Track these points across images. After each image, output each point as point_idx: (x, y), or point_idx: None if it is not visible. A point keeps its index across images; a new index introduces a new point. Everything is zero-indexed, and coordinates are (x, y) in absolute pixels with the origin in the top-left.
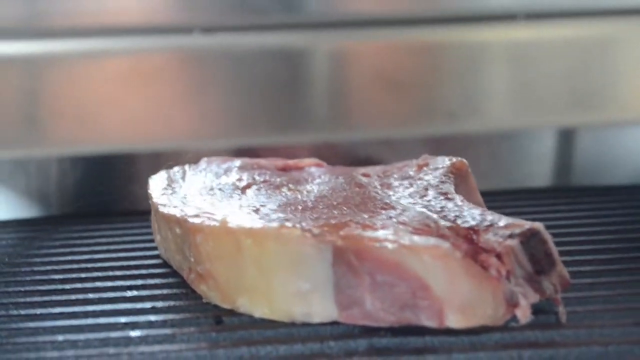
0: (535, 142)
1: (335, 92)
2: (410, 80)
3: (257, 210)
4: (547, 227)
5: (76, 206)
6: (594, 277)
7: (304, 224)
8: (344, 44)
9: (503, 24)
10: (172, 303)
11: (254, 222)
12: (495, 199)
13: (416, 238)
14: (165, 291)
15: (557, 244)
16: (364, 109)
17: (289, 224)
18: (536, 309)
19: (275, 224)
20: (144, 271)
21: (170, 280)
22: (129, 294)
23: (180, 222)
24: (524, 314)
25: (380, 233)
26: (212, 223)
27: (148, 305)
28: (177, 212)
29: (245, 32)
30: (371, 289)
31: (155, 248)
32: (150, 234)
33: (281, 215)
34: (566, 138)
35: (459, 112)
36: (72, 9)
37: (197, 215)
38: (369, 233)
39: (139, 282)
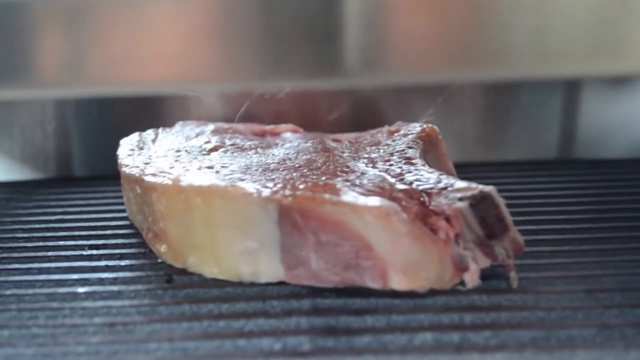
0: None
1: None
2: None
3: (215, 171)
4: (524, 198)
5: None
6: (556, 246)
7: (256, 184)
8: None
9: None
10: (127, 262)
11: (204, 180)
12: (479, 170)
13: (360, 198)
14: (124, 251)
15: (529, 213)
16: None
17: (239, 183)
18: (489, 275)
19: (224, 183)
20: (108, 232)
21: (132, 240)
22: (87, 252)
23: (139, 181)
24: (471, 278)
25: (331, 193)
26: (165, 181)
27: (103, 263)
28: (136, 172)
29: None
30: (316, 248)
31: (125, 210)
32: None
33: (237, 176)
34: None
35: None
36: None
37: (153, 174)
38: (319, 192)
39: (101, 241)
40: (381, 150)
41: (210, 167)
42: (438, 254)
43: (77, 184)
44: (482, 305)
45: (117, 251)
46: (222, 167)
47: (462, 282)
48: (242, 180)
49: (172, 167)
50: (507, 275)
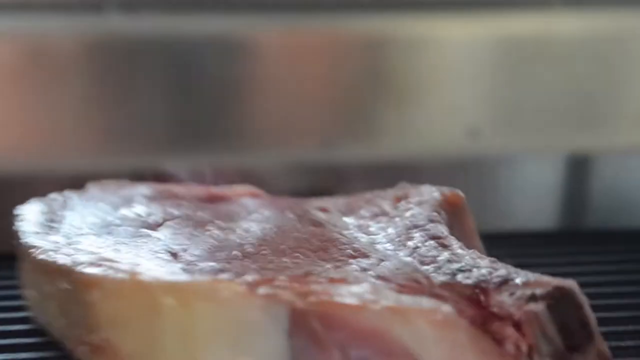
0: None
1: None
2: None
3: (176, 256)
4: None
5: None
6: None
7: (247, 276)
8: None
9: None
10: None
11: (176, 273)
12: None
13: (404, 298)
14: None
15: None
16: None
17: (224, 276)
18: None
19: (205, 277)
20: (9, 340)
21: (48, 355)
22: None
23: (69, 273)
24: None
25: (355, 290)
26: (117, 275)
27: None
28: (63, 259)
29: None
30: None
31: (23, 308)
32: (16, 287)
33: (212, 264)
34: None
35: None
36: None
37: (93, 264)
38: (340, 290)
39: (7, 357)
40: (392, 225)
41: (165, 251)
42: None
43: None
44: None
45: None
46: (183, 250)
47: None
48: (222, 271)
49: (113, 251)
50: None
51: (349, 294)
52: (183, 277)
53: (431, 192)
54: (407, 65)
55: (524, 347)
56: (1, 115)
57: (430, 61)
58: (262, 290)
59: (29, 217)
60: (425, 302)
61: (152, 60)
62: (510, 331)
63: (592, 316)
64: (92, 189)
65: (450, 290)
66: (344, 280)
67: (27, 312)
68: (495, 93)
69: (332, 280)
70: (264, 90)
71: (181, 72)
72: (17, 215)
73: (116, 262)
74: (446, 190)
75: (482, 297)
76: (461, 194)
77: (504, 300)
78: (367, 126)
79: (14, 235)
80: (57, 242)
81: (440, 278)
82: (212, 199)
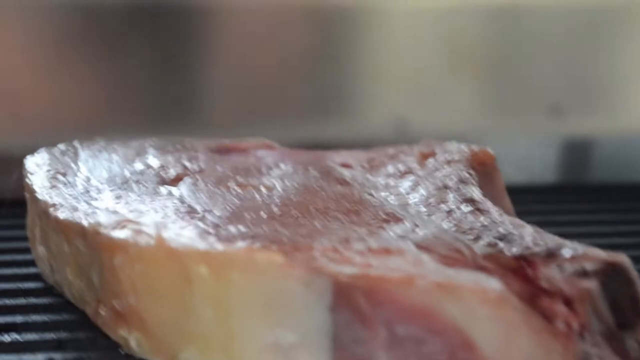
0: None
1: None
2: None
3: (201, 218)
4: None
5: None
6: None
7: (284, 246)
8: None
9: None
10: (72, 355)
11: (208, 240)
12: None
13: (450, 272)
14: (60, 335)
15: None
16: None
17: (260, 245)
18: None
19: (239, 245)
20: (22, 301)
21: (65, 317)
22: (7, 338)
23: (90, 235)
24: None
25: (400, 262)
26: (144, 240)
27: (39, 357)
28: (83, 219)
29: None
30: (388, 346)
31: (31, 263)
32: (23, 239)
33: (242, 228)
34: None
35: None
36: None
37: (117, 226)
38: (384, 262)
39: (19, 319)
40: (422, 185)
41: (190, 212)
42: (561, 354)
43: None
44: None
45: (50, 336)
46: (206, 210)
47: None
48: (254, 237)
49: (136, 211)
50: None
51: (394, 267)
52: (217, 246)
53: (460, 150)
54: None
55: (576, 326)
56: None
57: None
58: (303, 261)
59: (40, 169)
60: (475, 277)
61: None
62: (561, 308)
63: None
64: (100, 140)
65: (494, 261)
66: (386, 251)
67: (35, 267)
68: None
69: (372, 251)
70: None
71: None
72: (26, 167)
73: (141, 224)
74: (475, 147)
75: (528, 270)
76: (491, 151)
77: (552, 274)
78: None
79: (24, 188)
80: (75, 199)
81: (482, 248)
82: (225, 151)
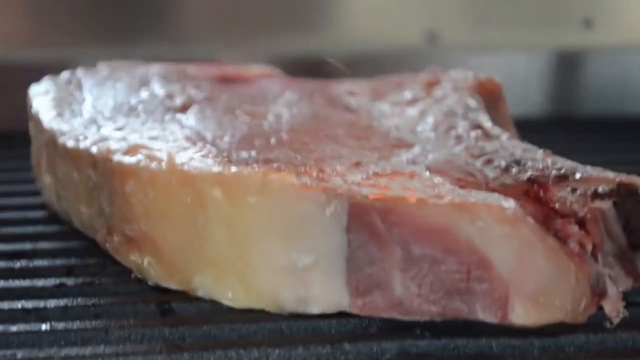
0: None
1: None
2: None
3: (213, 143)
4: None
5: None
6: None
7: (298, 168)
8: None
9: None
10: (83, 280)
11: (221, 163)
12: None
13: (464, 193)
14: (70, 261)
15: None
16: None
17: (273, 167)
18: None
19: (253, 167)
20: (29, 229)
21: (74, 244)
22: (17, 265)
23: (99, 161)
24: (614, 308)
25: (415, 184)
26: (156, 165)
27: (50, 282)
28: (92, 146)
29: None
30: (404, 265)
31: (36, 193)
32: (27, 169)
33: (253, 153)
34: None
35: None
36: None
37: (129, 152)
38: (399, 183)
39: (27, 246)
40: (431, 112)
41: (200, 138)
42: (575, 274)
43: None
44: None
45: (61, 262)
46: (217, 137)
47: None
48: (268, 161)
49: (147, 138)
50: None
51: (410, 188)
52: (230, 168)
53: (465, 77)
54: None
55: (589, 246)
56: None
57: None
58: (318, 183)
59: (44, 97)
60: (490, 198)
61: None
62: (574, 229)
63: None
64: (104, 68)
65: (506, 184)
66: (400, 174)
67: (40, 196)
68: None
69: (386, 174)
70: None
71: None
72: (31, 96)
73: (153, 149)
74: (481, 75)
75: (541, 193)
76: (497, 80)
77: (565, 196)
78: None
79: (29, 117)
80: (84, 127)
81: (494, 171)
82: (228, 80)
